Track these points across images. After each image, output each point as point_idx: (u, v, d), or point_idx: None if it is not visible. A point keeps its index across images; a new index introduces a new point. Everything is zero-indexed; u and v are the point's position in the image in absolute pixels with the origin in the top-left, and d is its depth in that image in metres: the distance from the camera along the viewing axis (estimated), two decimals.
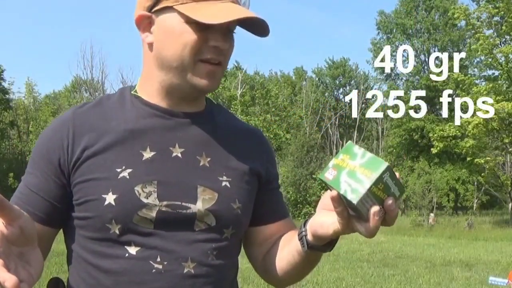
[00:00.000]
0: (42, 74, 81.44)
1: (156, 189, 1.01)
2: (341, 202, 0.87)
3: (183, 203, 1.02)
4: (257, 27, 1.04)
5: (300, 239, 1.02)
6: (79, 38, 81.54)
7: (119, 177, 1.00)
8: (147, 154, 1.04)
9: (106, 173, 1.01)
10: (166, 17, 1.03)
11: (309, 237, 1.00)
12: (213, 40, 1.01)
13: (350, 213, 0.89)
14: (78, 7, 75.27)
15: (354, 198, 0.82)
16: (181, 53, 1.02)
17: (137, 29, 1.09)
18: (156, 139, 1.05)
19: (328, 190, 0.95)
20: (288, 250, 1.09)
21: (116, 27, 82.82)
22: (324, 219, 0.95)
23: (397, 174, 0.86)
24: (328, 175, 0.88)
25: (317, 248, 1.00)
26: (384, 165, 0.82)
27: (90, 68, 39.50)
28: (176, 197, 1.02)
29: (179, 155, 1.06)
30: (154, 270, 0.99)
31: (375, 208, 0.84)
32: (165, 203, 1.01)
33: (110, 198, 0.99)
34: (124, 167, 1.01)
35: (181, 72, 1.04)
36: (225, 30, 1.03)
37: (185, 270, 1.01)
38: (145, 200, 1.00)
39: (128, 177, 1.00)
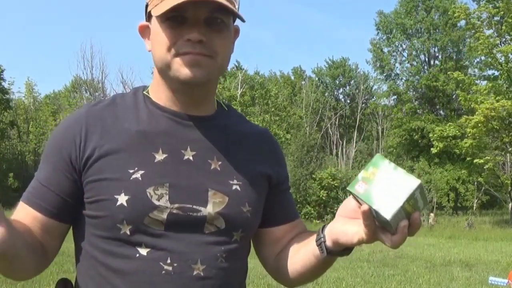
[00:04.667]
0: (42, 74, 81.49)
1: (167, 192, 1.01)
2: (371, 215, 0.88)
3: (194, 206, 1.03)
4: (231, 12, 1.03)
5: (319, 245, 1.04)
6: (79, 38, 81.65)
7: (131, 178, 1.01)
8: (159, 156, 1.04)
9: (119, 173, 1.01)
10: (152, 23, 1.06)
11: (328, 243, 1.01)
12: (186, 33, 1.01)
13: (377, 224, 0.90)
14: (78, 7, 75.30)
15: (388, 214, 0.83)
16: (160, 52, 1.03)
17: (142, 38, 1.12)
18: (168, 141, 1.06)
19: (350, 198, 0.95)
20: (304, 253, 1.10)
21: (116, 27, 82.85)
22: (348, 228, 0.96)
23: None
24: (359, 188, 0.87)
25: (336, 253, 1.03)
26: (416, 182, 0.83)
27: (90, 68, 39.62)
28: (187, 200, 1.03)
29: (191, 158, 1.06)
30: (163, 272, 1.00)
31: (404, 222, 0.86)
32: (176, 205, 1.01)
33: (122, 199, 0.99)
34: (136, 168, 1.02)
35: (165, 71, 1.05)
36: (201, 23, 1.01)
37: (195, 273, 1.01)
38: (156, 202, 1.00)
39: (140, 178, 1.01)
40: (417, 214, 0.87)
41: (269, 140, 1.22)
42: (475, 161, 25.13)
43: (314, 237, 1.07)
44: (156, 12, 1.01)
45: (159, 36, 1.03)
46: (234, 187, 1.08)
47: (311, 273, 1.12)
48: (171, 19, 1.00)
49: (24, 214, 1.04)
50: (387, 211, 0.83)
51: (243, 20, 1.05)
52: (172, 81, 1.06)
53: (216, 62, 1.04)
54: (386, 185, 0.84)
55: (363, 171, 0.87)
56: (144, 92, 1.13)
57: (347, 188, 0.91)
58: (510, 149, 26.11)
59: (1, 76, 34.26)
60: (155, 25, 1.05)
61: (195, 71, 1.01)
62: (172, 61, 1.02)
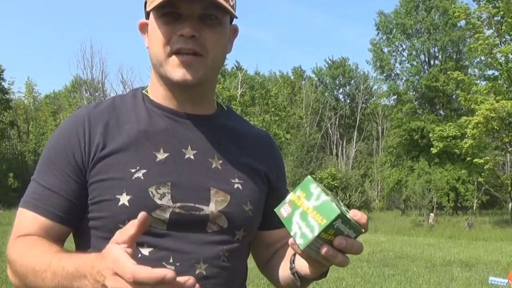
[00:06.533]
0: (42, 74, 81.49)
1: (170, 191, 1.01)
2: (297, 247, 0.86)
3: (196, 205, 1.03)
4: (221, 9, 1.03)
5: (293, 274, 1.05)
6: (79, 38, 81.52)
7: (133, 177, 1.01)
8: (161, 155, 1.04)
9: (121, 173, 1.01)
10: (150, 20, 1.07)
11: (301, 272, 1.02)
12: (180, 29, 1.01)
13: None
14: (78, 7, 75.25)
15: (301, 243, 0.81)
16: (155, 49, 1.04)
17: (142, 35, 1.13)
18: (168, 140, 1.06)
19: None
20: (283, 270, 1.12)
21: (116, 27, 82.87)
22: (302, 261, 0.98)
23: (357, 216, 0.83)
24: (283, 211, 0.86)
25: (310, 280, 1.03)
26: (335, 213, 0.78)
27: (90, 68, 39.44)
28: (189, 199, 1.03)
29: (192, 157, 1.06)
30: None
31: (324, 249, 0.83)
32: (178, 204, 1.01)
33: (124, 199, 0.99)
34: (138, 167, 1.02)
35: (159, 68, 1.06)
36: (195, 19, 1.01)
37: (197, 271, 1.01)
38: (159, 202, 1.00)
39: (142, 178, 1.01)
40: (338, 241, 0.82)
41: (269, 143, 1.23)
42: (475, 161, 25.11)
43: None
44: (150, 6, 1.02)
45: (155, 32, 1.04)
46: (236, 185, 1.08)
47: None
48: (166, 15, 1.01)
49: (31, 222, 1.02)
50: (302, 240, 0.81)
51: (235, 17, 1.07)
52: (166, 80, 1.06)
53: (207, 61, 1.04)
54: (307, 212, 0.81)
55: (291, 193, 0.84)
56: (143, 92, 1.13)
57: (274, 210, 0.89)
58: (510, 149, 26.09)
59: (1, 76, 34.23)
60: (152, 21, 1.06)
61: (187, 73, 1.02)
62: (166, 60, 1.03)
